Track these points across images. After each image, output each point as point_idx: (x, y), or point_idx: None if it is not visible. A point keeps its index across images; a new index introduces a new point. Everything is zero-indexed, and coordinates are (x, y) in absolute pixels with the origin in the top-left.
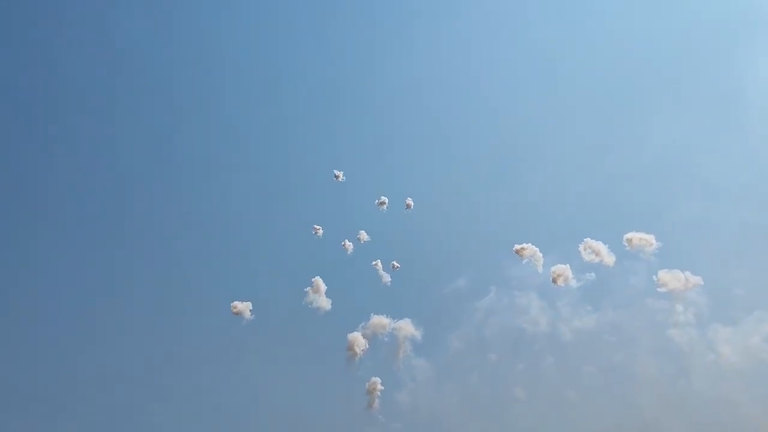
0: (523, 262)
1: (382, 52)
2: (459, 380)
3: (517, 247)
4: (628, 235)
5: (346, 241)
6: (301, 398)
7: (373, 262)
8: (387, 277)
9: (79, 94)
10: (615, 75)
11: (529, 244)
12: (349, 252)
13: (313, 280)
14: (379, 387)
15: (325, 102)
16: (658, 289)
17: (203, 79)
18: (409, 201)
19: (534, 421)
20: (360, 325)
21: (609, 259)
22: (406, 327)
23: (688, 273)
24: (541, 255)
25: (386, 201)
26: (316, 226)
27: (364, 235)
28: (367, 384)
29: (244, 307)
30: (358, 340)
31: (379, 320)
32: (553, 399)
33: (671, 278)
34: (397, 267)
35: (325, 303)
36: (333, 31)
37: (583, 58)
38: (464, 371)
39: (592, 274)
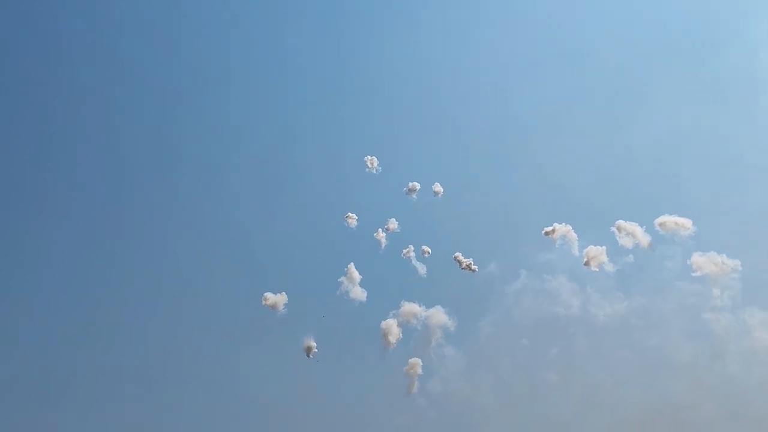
0: (556, 244)
1: (390, 38)
2: (491, 366)
3: (547, 229)
4: (661, 219)
5: (380, 230)
6: (338, 388)
7: (404, 251)
8: (422, 269)
9: (80, 92)
10: (624, 53)
11: (563, 224)
12: (383, 245)
13: (346, 268)
14: (419, 368)
15: (351, 91)
16: (693, 274)
17: (228, 68)
18: (438, 187)
19: (567, 406)
20: (391, 313)
21: (645, 240)
22: (438, 314)
23: (724, 256)
24: (575, 235)
25: (417, 187)
26: (350, 214)
27: (393, 224)
28: (405, 367)
29: (277, 299)
30: (392, 328)
31: (411, 308)
32: (587, 384)
33: (706, 262)
34: (428, 253)
35: (360, 293)
36: (347, 21)
37: (596, 36)
38: (496, 357)
39: (630, 256)
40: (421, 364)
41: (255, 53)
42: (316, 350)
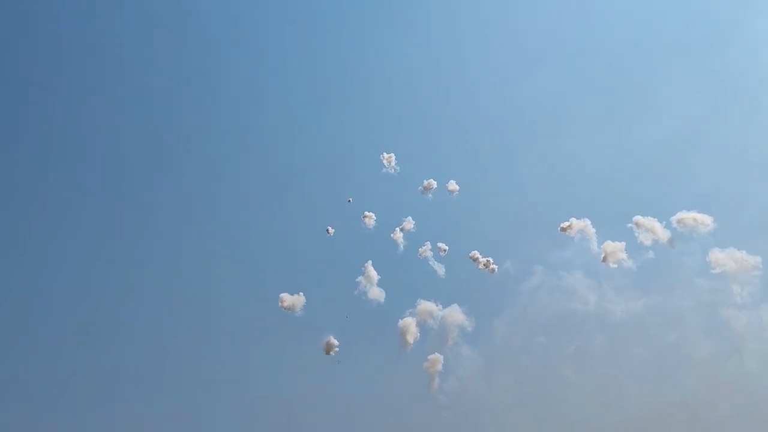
0: (573, 239)
1: (397, 37)
2: (508, 364)
3: (564, 224)
4: (680, 215)
5: (397, 230)
6: (355, 387)
7: (421, 249)
8: (439, 267)
9: (82, 92)
10: (634, 49)
11: (584, 219)
12: (400, 244)
13: (364, 267)
14: (440, 365)
15: (361, 91)
16: (712, 271)
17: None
18: (453, 185)
19: (584, 403)
20: (408, 312)
21: (664, 236)
22: (454, 313)
23: (744, 252)
24: (593, 229)
25: (433, 185)
26: (368, 213)
27: (409, 223)
28: (425, 364)
29: (294, 300)
30: (410, 326)
31: (427, 307)
32: (604, 381)
33: (726, 258)
34: (445, 251)
35: (377, 293)
36: (356, 19)
37: (608, 33)
38: (513, 355)
39: (649, 252)
40: (443, 360)
41: (261, 53)
42: (337, 348)
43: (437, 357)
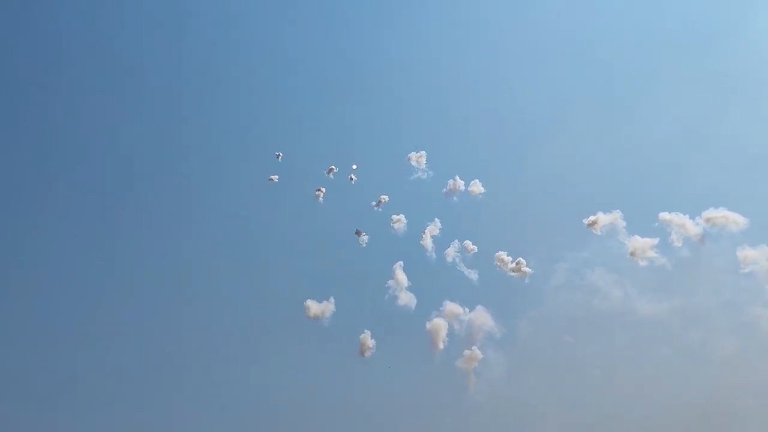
0: (598, 235)
1: (401, 35)
2: (535, 364)
3: (591, 218)
4: (709, 213)
5: (427, 231)
6: (384, 390)
7: (447, 250)
8: (465, 269)
9: (82, 90)
10: (642, 44)
11: (613, 211)
12: (429, 248)
13: (393, 269)
14: (476, 361)
15: (368, 90)
16: (742, 269)
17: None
18: (478, 187)
19: (613, 403)
20: (433, 314)
21: (695, 232)
22: (481, 314)
23: None
24: (622, 222)
25: (459, 186)
26: (398, 216)
27: (436, 225)
28: (459, 361)
29: (323, 307)
30: (441, 328)
31: (453, 308)
32: (632, 381)
33: (758, 256)
34: (473, 251)
35: (407, 294)
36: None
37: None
38: (540, 355)
39: (678, 249)
40: (481, 355)
41: (265, 52)
42: (372, 349)
43: (474, 352)
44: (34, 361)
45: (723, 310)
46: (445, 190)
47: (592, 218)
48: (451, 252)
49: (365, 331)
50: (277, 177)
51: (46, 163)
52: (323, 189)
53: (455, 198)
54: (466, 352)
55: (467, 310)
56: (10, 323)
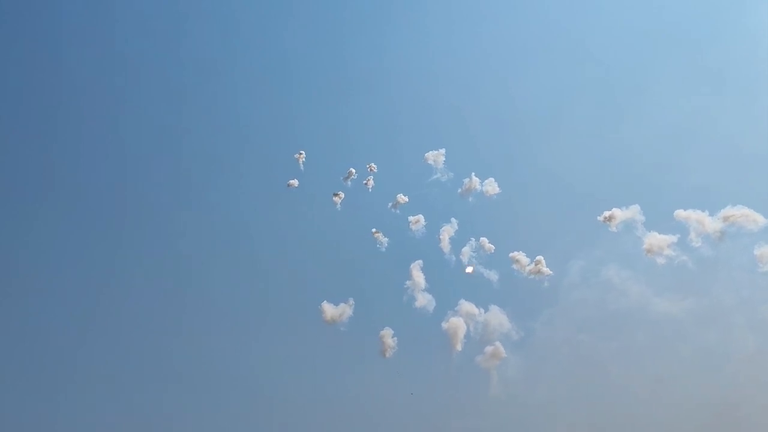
0: (614, 231)
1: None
2: (552, 363)
3: (606, 214)
4: (727, 211)
5: (445, 233)
6: (403, 390)
7: (462, 249)
8: (481, 269)
9: (83, 89)
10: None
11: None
12: (446, 250)
13: (410, 268)
14: (499, 357)
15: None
16: (760, 268)
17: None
18: (492, 186)
19: (631, 403)
20: (449, 313)
21: (714, 229)
22: (496, 314)
23: None
24: (642, 216)
25: (476, 183)
26: (416, 217)
27: (453, 225)
28: (479, 358)
29: (340, 310)
30: (459, 327)
31: (468, 308)
32: (650, 380)
33: None
34: (491, 250)
35: (424, 295)
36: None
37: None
38: (558, 354)
39: (696, 246)
40: (504, 352)
41: (270, 51)
42: (394, 347)
43: (498, 348)
44: (34, 361)
45: (741, 308)
46: (460, 190)
47: (607, 213)
48: (467, 252)
49: (386, 328)
50: (296, 181)
51: (50, 164)
52: (341, 194)
53: (470, 199)
54: (488, 348)
55: (482, 311)
56: (10, 323)
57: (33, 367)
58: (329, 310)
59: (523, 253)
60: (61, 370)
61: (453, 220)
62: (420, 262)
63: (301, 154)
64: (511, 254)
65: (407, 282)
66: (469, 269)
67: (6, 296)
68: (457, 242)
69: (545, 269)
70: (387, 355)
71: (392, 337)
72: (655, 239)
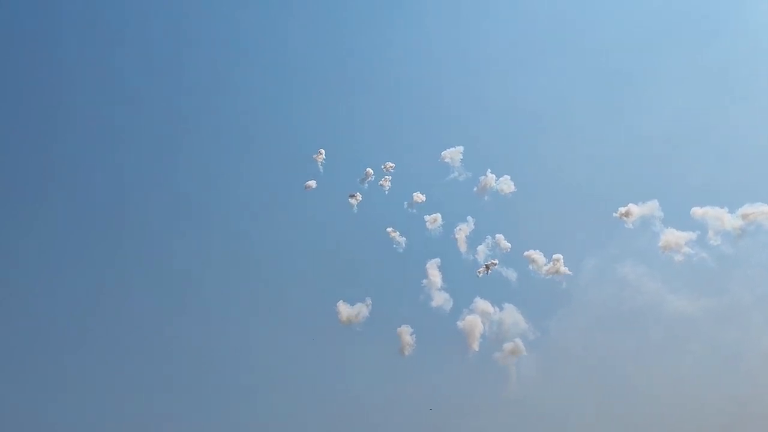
0: (630, 227)
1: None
2: (568, 361)
3: (622, 210)
4: (746, 209)
5: (461, 232)
6: (421, 389)
7: (478, 247)
8: (499, 267)
9: (83, 89)
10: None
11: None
12: (462, 249)
13: (426, 267)
14: (517, 354)
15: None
16: None
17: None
18: (507, 184)
19: (647, 402)
20: (464, 311)
21: (734, 226)
22: (512, 313)
23: None
24: (660, 212)
25: (491, 181)
26: (434, 216)
27: (470, 224)
28: (498, 355)
29: (356, 310)
30: (476, 326)
31: (483, 306)
32: (666, 377)
33: None
34: (507, 249)
35: (441, 293)
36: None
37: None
38: (573, 352)
39: (716, 244)
40: (524, 348)
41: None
42: (412, 345)
43: (517, 345)
44: (34, 361)
45: (759, 306)
46: (476, 188)
47: (623, 209)
48: (483, 250)
49: (404, 325)
50: (314, 182)
51: (51, 164)
52: (358, 195)
53: (486, 197)
54: (507, 345)
55: (498, 309)
56: (11, 323)
57: (33, 367)
58: (345, 310)
59: (540, 252)
60: (78, 370)
61: (469, 218)
62: (437, 260)
63: (320, 153)
64: (526, 253)
65: (424, 281)
66: (480, 271)
67: (6, 296)
68: (474, 241)
69: (563, 268)
70: (406, 352)
71: (410, 335)
72: (672, 236)
